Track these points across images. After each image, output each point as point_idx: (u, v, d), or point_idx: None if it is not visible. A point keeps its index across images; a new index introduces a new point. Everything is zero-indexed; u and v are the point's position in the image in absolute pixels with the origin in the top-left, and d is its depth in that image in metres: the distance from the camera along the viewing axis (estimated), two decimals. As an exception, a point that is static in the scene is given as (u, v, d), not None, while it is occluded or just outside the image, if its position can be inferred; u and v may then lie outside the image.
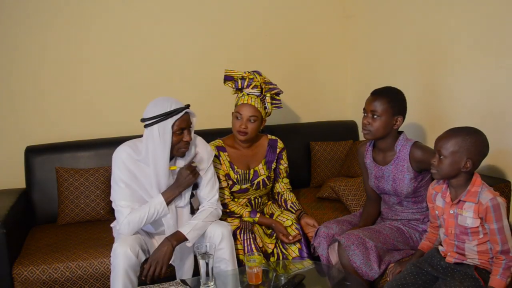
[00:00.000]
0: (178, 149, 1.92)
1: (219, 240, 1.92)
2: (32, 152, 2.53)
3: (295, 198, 2.42)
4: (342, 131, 3.18)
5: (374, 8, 3.00)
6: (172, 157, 1.97)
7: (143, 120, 1.90)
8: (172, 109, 1.85)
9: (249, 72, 2.30)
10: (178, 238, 1.89)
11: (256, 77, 2.27)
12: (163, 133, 1.85)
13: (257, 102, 2.22)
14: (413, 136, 2.84)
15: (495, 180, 2.13)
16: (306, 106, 3.28)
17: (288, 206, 2.37)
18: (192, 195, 2.04)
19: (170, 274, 2.03)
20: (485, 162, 2.24)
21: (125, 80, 2.80)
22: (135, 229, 1.89)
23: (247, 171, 2.30)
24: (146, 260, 1.91)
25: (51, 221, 2.50)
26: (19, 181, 2.60)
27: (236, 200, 2.31)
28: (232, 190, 2.28)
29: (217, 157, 2.25)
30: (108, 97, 2.77)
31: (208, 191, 2.05)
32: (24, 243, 2.26)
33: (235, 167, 2.28)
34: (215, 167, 2.18)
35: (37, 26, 2.60)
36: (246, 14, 3.04)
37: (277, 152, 2.39)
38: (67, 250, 2.13)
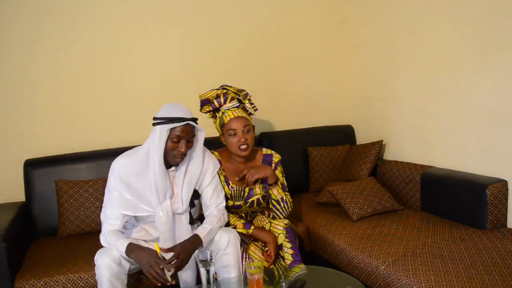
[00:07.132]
0: (172, 156, 1.92)
1: (225, 245, 1.93)
2: (31, 165, 2.53)
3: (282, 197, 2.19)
4: (339, 135, 3.20)
5: (368, 13, 3.03)
6: (170, 165, 1.99)
7: (154, 118, 1.94)
8: (175, 116, 1.88)
9: (217, 88, 2.20)
10: (196, 242, 1.88)
11: (229, 90, 2.17)
12: (161, 135, 1.88)
13: (242, 112, 2.13)
14: (408, 139, 2.86)
15: (492, 180, 2.15)
16: (302, 112, 3.29)
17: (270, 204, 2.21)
18: (193, 205, 2.03)
19: (176, 283, 2.03)
20: (482, 161, 2.27)
21: (124, 91, 2.81)
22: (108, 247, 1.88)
23: (242, 188, 2.20)
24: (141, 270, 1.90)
25: (52, 234, 2.50)
26: (19, 195, 2.60)
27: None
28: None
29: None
30: (106, 108, 2.78)
31: (215, 199, 2.07)
32: (25, 256, 2.26)
33: (230, 182, 2.20)
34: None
35: (33, 38, 2.61)
36: (240, 23, 3.07)
37: (273, 167, 2.23)
38: (69, 262, 2.13)
